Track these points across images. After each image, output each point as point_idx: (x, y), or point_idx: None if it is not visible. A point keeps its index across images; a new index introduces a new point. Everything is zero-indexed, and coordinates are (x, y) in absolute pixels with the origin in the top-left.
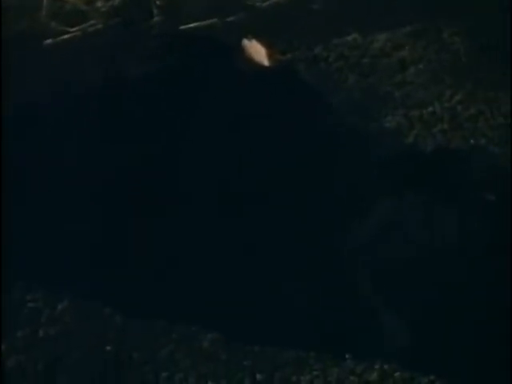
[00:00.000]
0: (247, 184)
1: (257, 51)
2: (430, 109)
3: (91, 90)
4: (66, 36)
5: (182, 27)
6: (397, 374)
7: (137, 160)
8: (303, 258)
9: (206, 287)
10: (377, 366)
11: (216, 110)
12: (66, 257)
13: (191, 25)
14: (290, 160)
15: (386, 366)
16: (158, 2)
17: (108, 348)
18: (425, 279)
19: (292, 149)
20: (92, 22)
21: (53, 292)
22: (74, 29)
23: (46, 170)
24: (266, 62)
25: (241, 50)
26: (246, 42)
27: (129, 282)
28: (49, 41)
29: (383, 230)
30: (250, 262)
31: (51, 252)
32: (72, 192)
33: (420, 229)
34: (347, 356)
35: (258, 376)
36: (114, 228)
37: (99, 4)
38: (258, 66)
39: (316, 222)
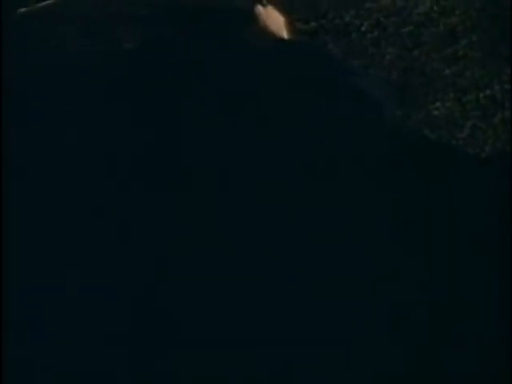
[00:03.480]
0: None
1: (274, 20)
2: (488, 91)
3: (76, 63)
4: (44, 3)
5: None
6: None
7: (128, 142)
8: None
9: None
10: None
11: (223, 91)
12: None
13: None
14: (299, 165)
15: None
16: None
17: None
18: None
19: (309, 149)
20: None
21: None
22: None
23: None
24: (284, 33)
25: (254, 19)
26: (260, 9)
27: None
28: (24, 9)
29: None
30: None
31: None
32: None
33: None
34: None
35: None
36: None
37: None
38: (275, 38)
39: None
